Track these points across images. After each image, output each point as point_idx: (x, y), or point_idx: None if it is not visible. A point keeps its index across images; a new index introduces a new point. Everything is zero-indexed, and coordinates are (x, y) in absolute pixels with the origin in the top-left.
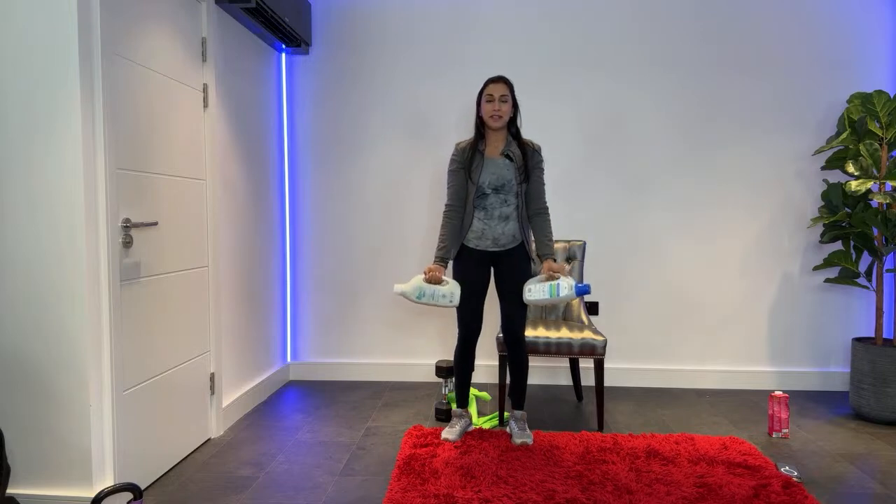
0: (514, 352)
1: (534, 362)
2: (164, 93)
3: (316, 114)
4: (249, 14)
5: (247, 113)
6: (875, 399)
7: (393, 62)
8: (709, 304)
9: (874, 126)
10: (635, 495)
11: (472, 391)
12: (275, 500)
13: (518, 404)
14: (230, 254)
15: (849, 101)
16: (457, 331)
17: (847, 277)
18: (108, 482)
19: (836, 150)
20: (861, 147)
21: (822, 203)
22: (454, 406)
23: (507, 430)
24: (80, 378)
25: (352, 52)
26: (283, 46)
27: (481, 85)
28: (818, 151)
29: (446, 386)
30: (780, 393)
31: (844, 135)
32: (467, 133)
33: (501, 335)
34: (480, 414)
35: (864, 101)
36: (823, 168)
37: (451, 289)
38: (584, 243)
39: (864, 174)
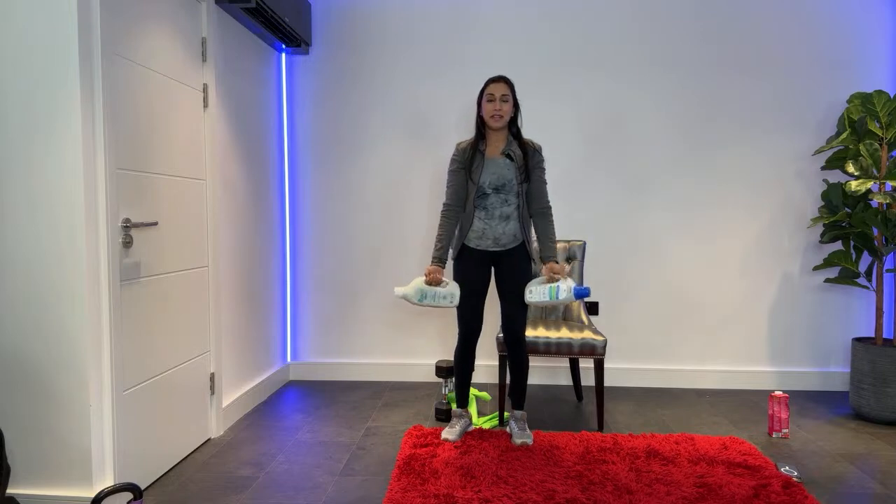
0: (515, 352)
1: (534, 362)
2: (164, 93)
3: (316, 114)
4: (249, 14)
5: (247, 113)
6: (875, 399)
7: (393, 62)
8: (709, 304)
9: (874, 126)
10: (635, 495)
11: (472, 391)
12: (275, 500)
13: (518, 404)
14: (230, 254)
15: (849, 101)
16: (457, 331)
17: (847, 277)
18: (108, 482)
19: (836, 150)
20: (861, 147)
21: (822, 203)
22: (454, 406)
23: (507, 430)
24: (80, 378)
25: (352, 52)
26: (283, 46)
27: (481, 85)
28: (818, 151)
29: (446, 386)
30: (780, 393)
31: (844, 135)
32: (467, 133)
33: (501, 335)
34: (480, 414)
35: (864, 101)
36: (823, 168)
37: (451, 289)
38: (584, 243)
39: (864, 174)
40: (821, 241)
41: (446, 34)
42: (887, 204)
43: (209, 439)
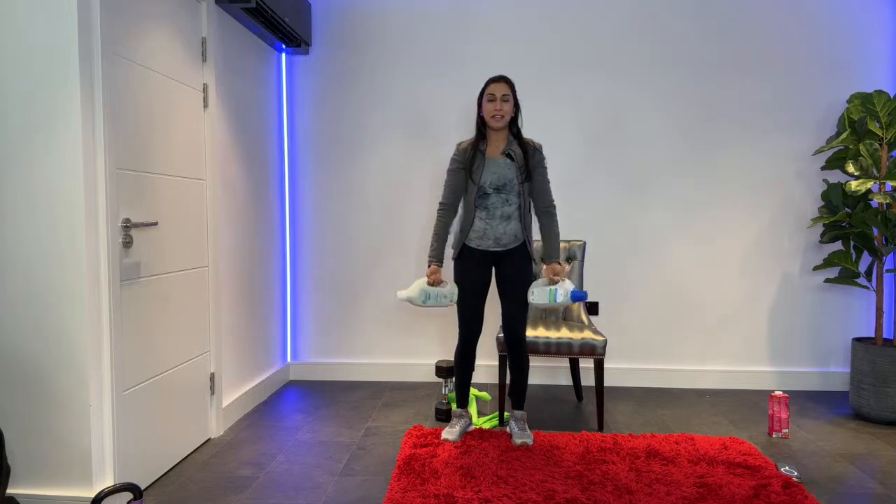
0: (515, 352)
1: (534, 362)
2: (164, 93)
3: (316, 114)
4: (249, 14)
5: (247, 113)
6: (875, 399)
7: (393, 62)
8: (709, 304)
9: (874, 126)
10: (635, 495)
11: (472, 391)
12: (275, 500)
13: (518, 404)
14: (230, 254)
15: (849, 101)
16: (457, 331)
17: (847, 277)
18: (108, 482)
19: (836, 150)
20: (861, 147)
21: (822, 203)
22: (454, 406)
23: (507, 430)
24: (80, 378)
25: (352, 52)
26: (283, 46)
27: (481, 85)
28: (818, 151)
29: (446, 386)
30: (780, 393)
31: (844, 135)
32: (467, 133)
33: (502, 335)
34: (480, 414)
35: (864, 101)
36: (823, 168)
37: (451, 289)
38: (584, 243)
39: (864, 174)
40: (821, 241)
41: (446, 34)
42: (887, 204)
43: (209, 439)
